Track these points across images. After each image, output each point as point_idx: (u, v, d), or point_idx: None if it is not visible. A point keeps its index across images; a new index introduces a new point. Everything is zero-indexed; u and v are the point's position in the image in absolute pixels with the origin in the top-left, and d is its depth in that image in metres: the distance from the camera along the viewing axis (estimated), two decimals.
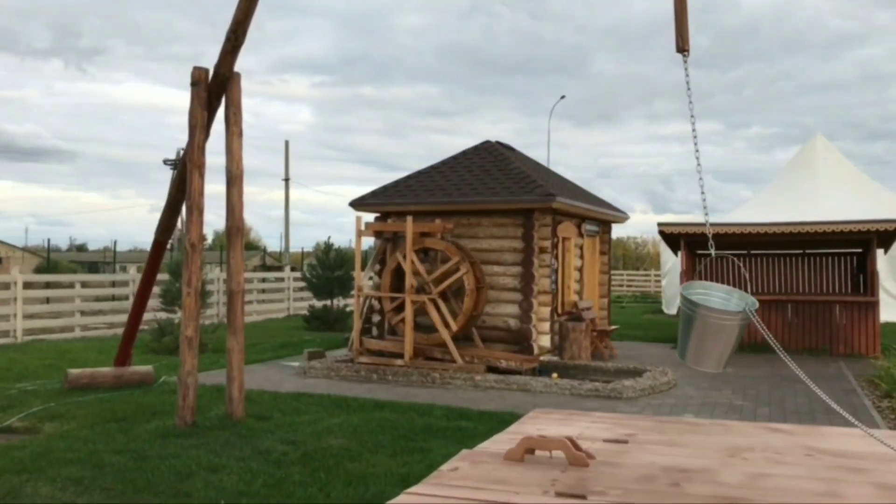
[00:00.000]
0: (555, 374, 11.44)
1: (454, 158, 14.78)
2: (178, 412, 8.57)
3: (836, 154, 26.00)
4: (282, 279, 26.16)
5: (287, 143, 48.00)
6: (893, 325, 20.02)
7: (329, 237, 20.85)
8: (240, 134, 8.85)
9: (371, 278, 14.64)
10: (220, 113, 8.99)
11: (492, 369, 12.13)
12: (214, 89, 8.78)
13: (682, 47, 3.74)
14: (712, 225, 17.40)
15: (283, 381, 11.80)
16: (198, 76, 8.75)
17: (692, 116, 4.00)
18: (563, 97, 52.13)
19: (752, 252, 18.10)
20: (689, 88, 3.93)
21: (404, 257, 12.73)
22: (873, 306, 15.14)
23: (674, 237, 16.58)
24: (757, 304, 3.40)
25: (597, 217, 15.40)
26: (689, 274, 17.22)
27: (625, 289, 43.96)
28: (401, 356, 12.69)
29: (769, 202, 23.64)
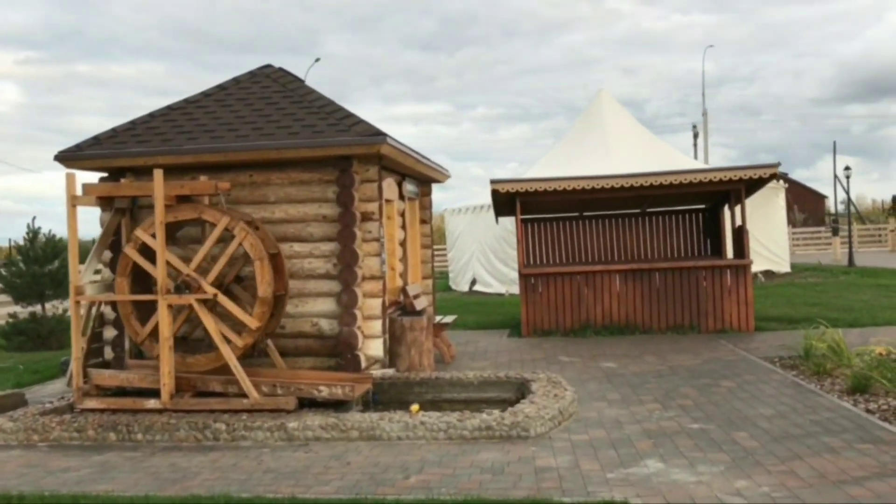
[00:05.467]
0: (414, 406, 7.38)
1: (221, 88, 10.04)
2: None
3: (620, 107, 24.28)
4: None
5: None
6: None
7: (34, 218, 14.94)
8: None
9: (98, 272, 9.62)
10: None
11: (304, 401, 7.82)
12: None
13: None
14: (538, 180, 14.26)
15: None
16: None
17: None
18: (318, 59, 47.88)
19: (585, 214, 15.23)
20: None
21: (152, 237, 7.97)
22: (745, 271, 12.72)
23: (509, 197, 13.14)
24: None
25: (421, 173, 11.48)
26: (524, 242, 13.93)
27: None
28: (155, 394, 7.95)
29: (561, 161, 21.11)
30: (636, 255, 14.64)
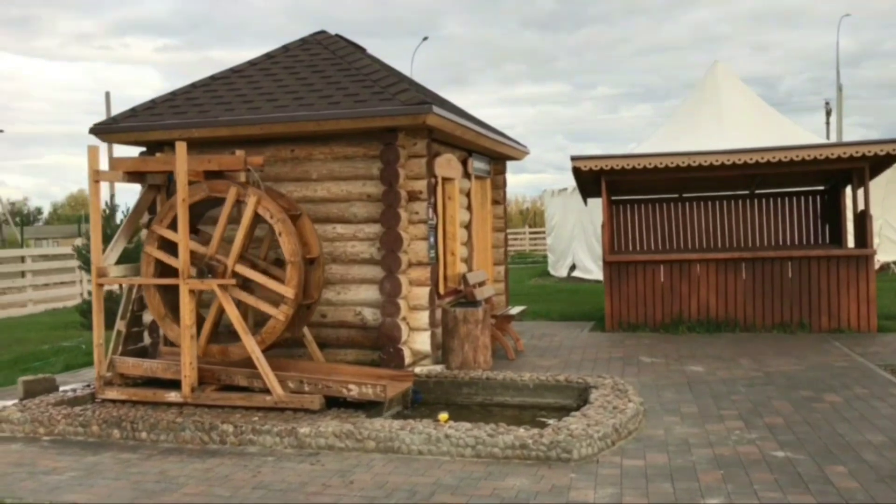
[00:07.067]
0: (443, 415, 6.45)
1: (269, 56, 9.33)
2: None
3: (737, 81, 22.28)
4: (70, 255, 19.93)
5: (108, 94, 40.20)
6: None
7: (112, 196, 14.92)
8: None
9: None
10: None
11: (334, 401, 7.01)
12: None
13: None
14: (624, 157, 12.94)
15: None
16: None
17: None
18: (425, 38, 47.21)
19: (685, 196, 13.76)
20: None
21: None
22: (867, 262, 11.03)
23: (593, 175, 11.90)
24: None
25: (489, 149, 10.44)
26: (610, 225, 12.65)
27: None
28: (179, 385, 7.35)
29: (670, 138, 19.50)
30: (741, 242, 13.08)
